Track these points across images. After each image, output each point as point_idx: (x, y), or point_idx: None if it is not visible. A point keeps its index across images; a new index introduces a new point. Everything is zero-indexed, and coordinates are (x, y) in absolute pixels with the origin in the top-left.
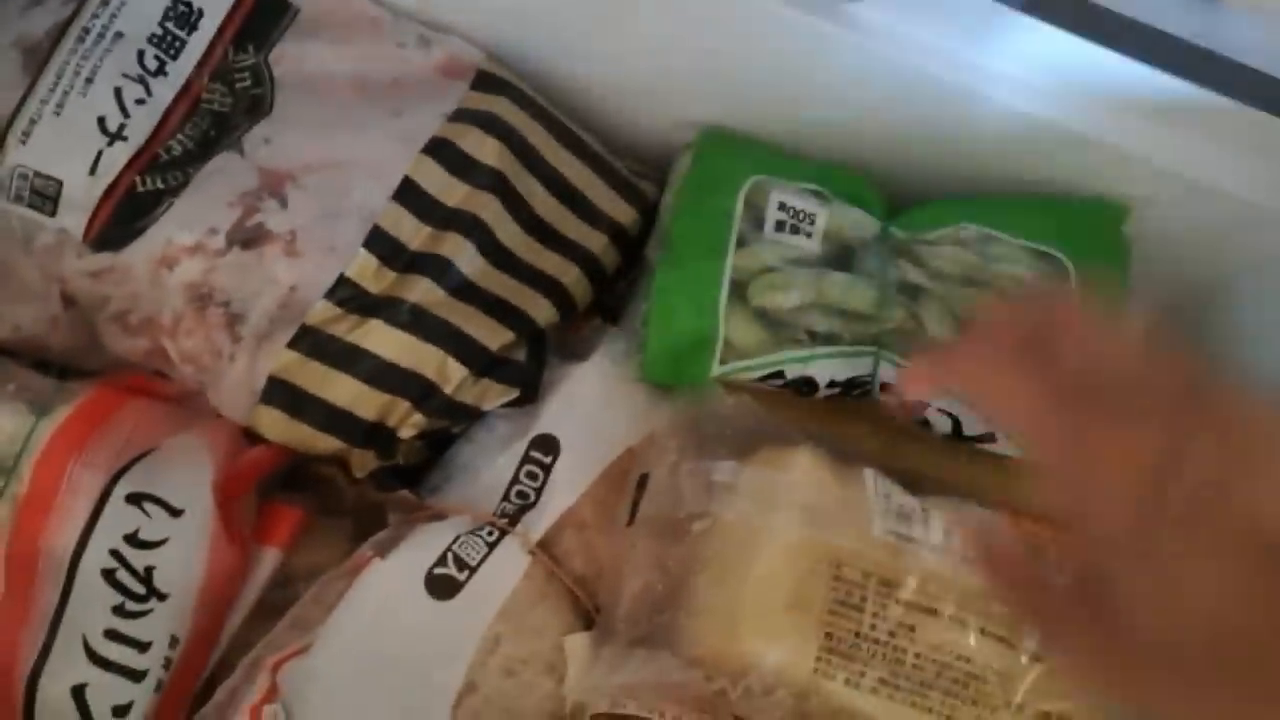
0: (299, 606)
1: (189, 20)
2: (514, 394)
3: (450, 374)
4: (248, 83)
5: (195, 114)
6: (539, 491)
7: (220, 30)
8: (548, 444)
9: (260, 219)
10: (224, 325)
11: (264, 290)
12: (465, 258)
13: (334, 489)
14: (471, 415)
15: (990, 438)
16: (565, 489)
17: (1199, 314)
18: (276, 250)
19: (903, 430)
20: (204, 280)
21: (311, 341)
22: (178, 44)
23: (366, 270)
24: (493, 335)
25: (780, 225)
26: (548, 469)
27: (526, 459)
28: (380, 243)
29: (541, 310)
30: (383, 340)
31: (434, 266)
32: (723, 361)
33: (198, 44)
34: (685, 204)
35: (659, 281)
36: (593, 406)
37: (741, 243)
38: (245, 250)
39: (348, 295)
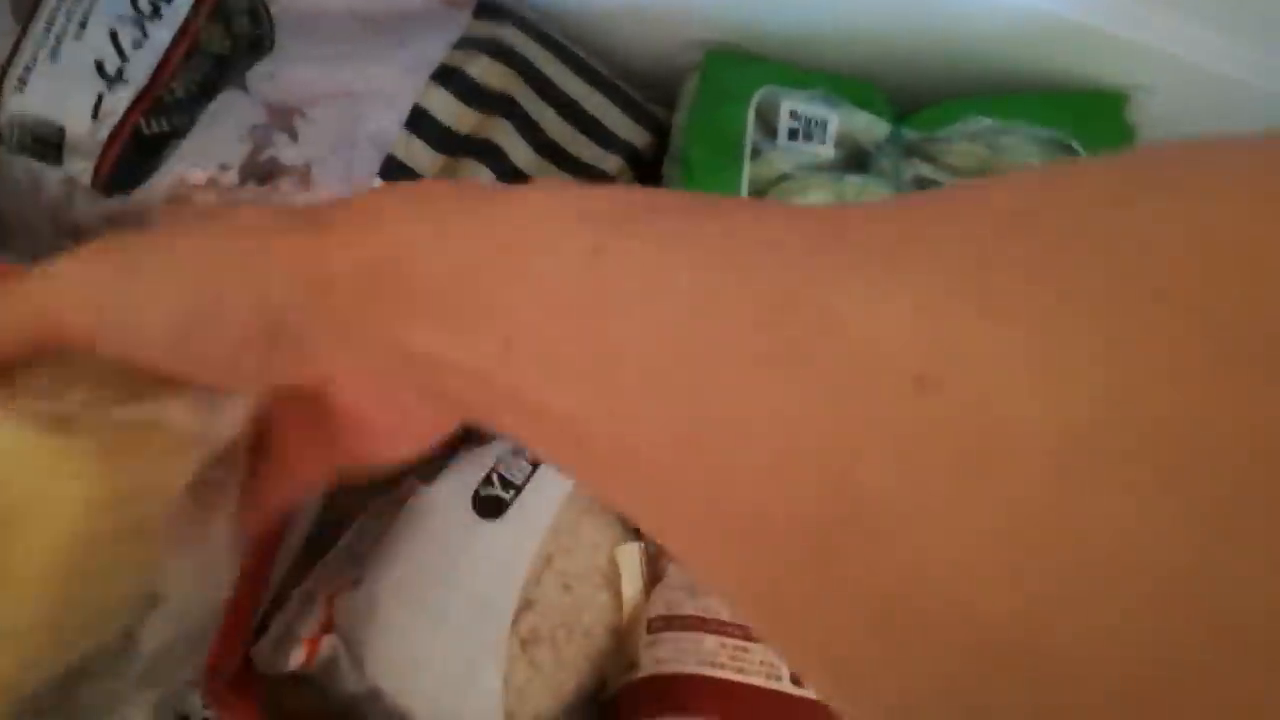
0: (347, 538)
1: None
2: None
3: None
4: (246, 22)
5: (196, 55)
6: None
7: None
8: None
9: (272, 153)
10: None
11: None
12: (482, 182)
13: None
14: None
15: None
16: None
17: None
18: (292, 182)
19: None
20: None
21: None
22: None
23: None
24: None
25: (793, 133)
26: None
27: None
28: (396, 172)
29: None
30: None
31: None
32: None
33: None
34: (697, 122)
35: None
36: None
37: (756, 153)
38: (260, 185)
39: None
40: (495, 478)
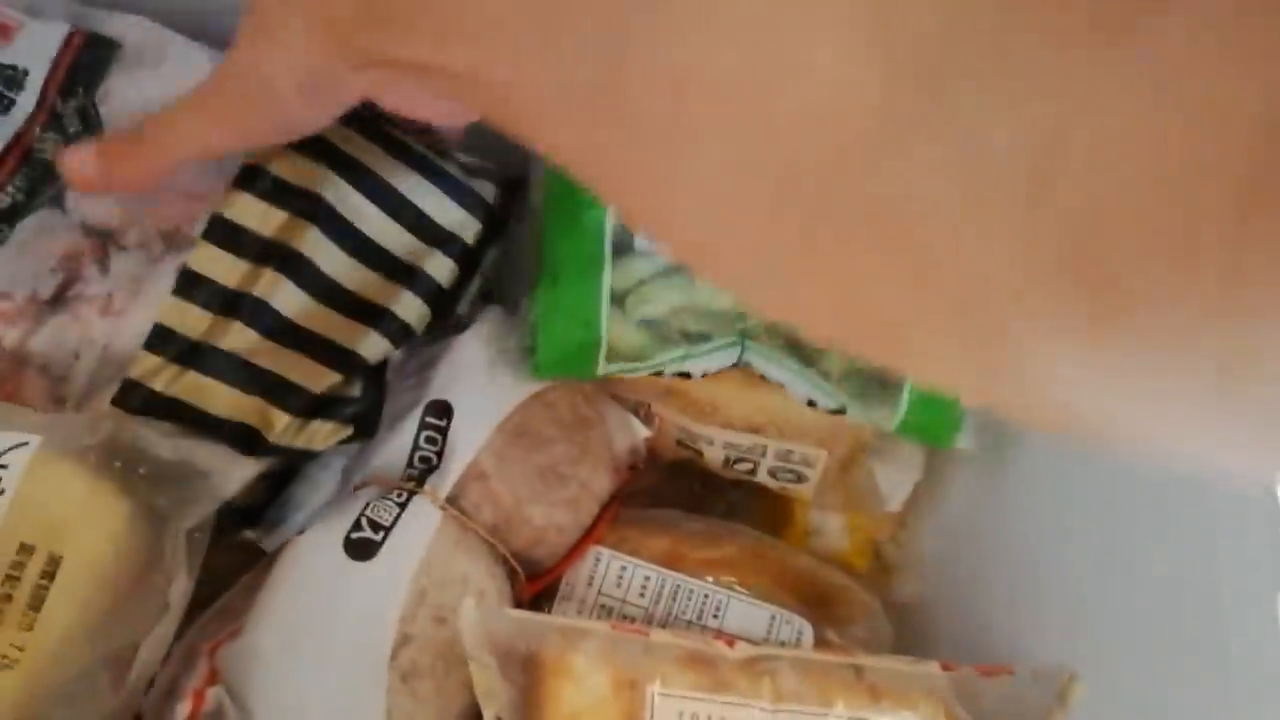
0: (228, 595)
1: (16, 81)
2: (346, 432)
3: (273, 421)
4: (79, 126)
5: (27, 165)
6: (440, 455)
7: (46, 84)
8: (441, 409)
9: (80, 288)
10: (45, 389)
11: (83, 350)
12: (283, 295)
13: None
14: (302, 457)
15: None
16: (464, 447)
17: None
18: (93, 312)
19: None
20: (22, 345)
21: (135, 397)
22: (5, 102)
23: (179, 315)
24: (317, 378)
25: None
26: (444, 431)
27: (424, 425)
28: (191, 285)
29: (372, 346)
30: (201, 393)
31: (249, 309)
32: (609, 361)
33: (26, 102)
34: (557, 218)
35: (542, 303)
36: (479, 368)
37: (618, 252)
38: (62, 314)
39: (165, 342)
40: (365, 521)
